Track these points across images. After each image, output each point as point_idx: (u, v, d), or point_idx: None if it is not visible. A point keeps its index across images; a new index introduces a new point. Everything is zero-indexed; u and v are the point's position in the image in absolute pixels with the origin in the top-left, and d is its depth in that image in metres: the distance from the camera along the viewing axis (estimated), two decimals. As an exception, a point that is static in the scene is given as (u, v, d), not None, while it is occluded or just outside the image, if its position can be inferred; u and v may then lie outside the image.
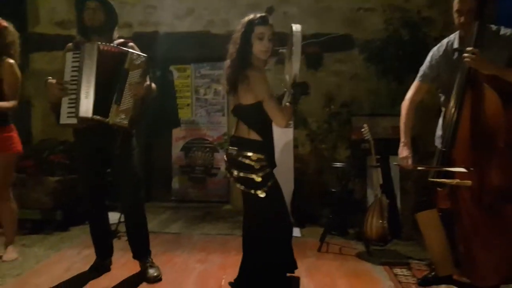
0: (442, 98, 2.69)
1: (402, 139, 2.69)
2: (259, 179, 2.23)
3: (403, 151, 2.67)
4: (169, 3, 5.26)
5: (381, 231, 3.47)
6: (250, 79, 2.20)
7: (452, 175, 2.36)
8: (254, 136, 2.28)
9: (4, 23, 3.08)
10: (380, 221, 3.48)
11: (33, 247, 3.56)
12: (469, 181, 2.26)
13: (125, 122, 2.52)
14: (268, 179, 2.27)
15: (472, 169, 2.25)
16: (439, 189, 2.46)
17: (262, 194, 2.24)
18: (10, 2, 5.47)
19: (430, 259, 2.98)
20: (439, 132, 2.69)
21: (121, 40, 2.77)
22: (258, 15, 2.27)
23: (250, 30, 2.24)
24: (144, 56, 2.59)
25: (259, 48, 2.24)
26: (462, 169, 2.27)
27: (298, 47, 2.20)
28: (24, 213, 4.09)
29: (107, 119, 2.50)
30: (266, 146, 2.32)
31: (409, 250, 3.60)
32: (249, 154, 2.24)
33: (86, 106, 2.48)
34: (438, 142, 2.67)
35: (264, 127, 2.32)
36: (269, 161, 2.32)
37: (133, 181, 2.77)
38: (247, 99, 2.25)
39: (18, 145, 3.16)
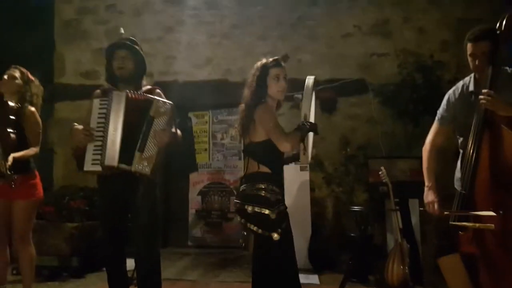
0: (460, 140, 2.68)
1: (427, 183, 2.62)
2: (273, 216, 2.17)
3: (429, 196, 2.58)
4: (188, 54, 5.50)
5: (402, 278, 3.35)
6: (255, 114, 2.26)
7: (474, 218, 2.30)
8: (264, 169, 2.26)
9: (32, 77, 3.27)
10: (401, 267, 3.37)
11: (49, 295, 3.55)
12: (492, 225, 2.20)
13: (147, 170, 2.46)
14: (283, 220, 2.23)
15: (501, 212, 2.17)
16: (461, 232, 2.40)
17: (276, 237, 2.16)
18: (38, 55, 5.80)
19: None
20: (458, 174, 2.65)
21: (148, 87, 2.80)
22: (271, 59, 2.37)
23: (266, 73, 2.32)
24: (169, 103, 2.59)
25: (276, 88, 2.32)
26: (491, 213, 2.20)
27: (308, 91, 2.31)
28: (42, 260, 4.10)
29: (130, 167, 2.47)
30: (278, 180, 2.30)
31: (433, 297, 3.46)
32: (262, 185, 2.21)
33: (112, 154, 2.46)
34: (457, 185, 2.62)
35: (275, 163, 2.31)
36: (283, 196, 2.29)
37: (150, 236, 2.67)
38: (258, 136, 2.28)
39: (41, 192, 3.22)
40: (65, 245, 4.13)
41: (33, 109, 3.16)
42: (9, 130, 2.89)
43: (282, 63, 2.37)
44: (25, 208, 3.11)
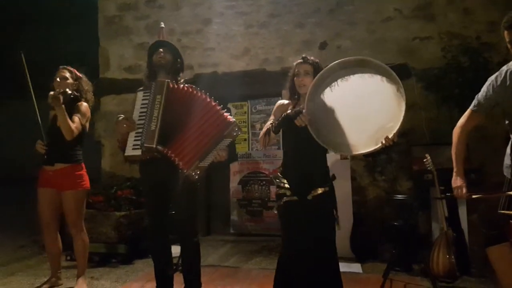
0: (509, 126, 2.56)
1: (455, 168, 2.58)
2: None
3: (457, 181, 2.55)
4: (226, 45, 5.54)
5: (448, 267, 3.28)
6: None
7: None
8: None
9: (79, 74, 3.47)
10: (447, 256, 3.29)
11: (100, 280, 3.74)
12: (544, 213, 2.11)
13: (196, 177, 2.63)
14: (278, 199, 2.58)
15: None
16: (511, 221, 2.31)
17: (274, 210, 2.66)
18: (84, 52, 6.06)
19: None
20: (507, 161, 2.54)
21: (187, 85, 2.91)
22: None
23: (293, 71, 2.62)
24: (241, 131, 2.79)
25: (297, 83, 2.59)
26: None
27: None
28: (92, 247, 4.32)
29: (185, 170, 2.60)
30: (283, 167, 2.64)
31: (480, 287, 3.37)
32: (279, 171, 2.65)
33: (151, 136, 2.62)
34: (506, 172, 2.52)
35: (285, 150, 2.66)
36: (284, 182, 2.57)
37: (189, 218, 2.88)
38: None
39: (87, 183, 3.44)
40: (114, 233, 4.32)
41: (85, 103, 3.38)
42: (69, 92, 3.19)
43: (308, 58, 2.59)
44: (74, 198, 3.33)
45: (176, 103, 2.69)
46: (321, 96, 2.45)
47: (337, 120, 2.39)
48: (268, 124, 2.56)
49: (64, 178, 3.30)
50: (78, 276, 3.46)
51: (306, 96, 2.44)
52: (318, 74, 2.44)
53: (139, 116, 2.72)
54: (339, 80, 2.42)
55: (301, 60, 2.58)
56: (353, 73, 2.41)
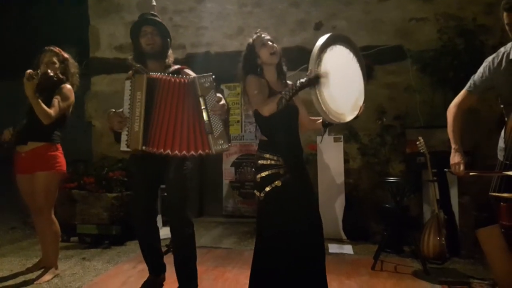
0: (504, 109, 2.55)
1: (453, 145, 2.59)
2: (258, 180, 2.29)
3: (455, 157, 2.55)
4: (220, 24, 5.44)
5: (438, 249, 3.31)
6: (245, 86, 2.37)
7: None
8: (263, 137, 2.40)
9: (65, 54, 3.28)
10: (438, 238, 3.32)
11: (92, 261, 3.73)
12: (536, 196, 2.11)
13: (225, 146, 2.46)
14: (268, 183, 2.26)
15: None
16: (502, 204, 2.31)
17: (260, 195, 2.29)
18: (74, 30, 5.92)
19: (494, 279, 2.79)
20: (501, 144, 2.54)
21: (176, 66, 2.75)
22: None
23: (253, 46, 2.40)
24: (209, 75, 2.51)
25: (267, 52, 2.36)
26: None
27: (316, 48, 2.19)
28: (85, 228, 4.33)
29: (210, 150, 2.44)
30: (274, 147, 2.32)
31: (469, 269, 3.41)
32: (259, 153, 2.36)
33: (136, 138, 2.47)
34: (500, 155, 2.52)
35: (270, 130, 2.36)
36: (281, 161, 2.29)
37: (183, 208, 2.71)
38: (252, 106, 2.37)
39: (62, 166, 3.18)
40: (106, 214, 4.30)
41: (69, 86, 3.19)
42: (51, 74, 3.07)
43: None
44: (45, 180, 3.07)
45: (158, 97, 2.48)
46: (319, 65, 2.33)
47: (332, 89, 2.23)
48: (279, 96, 2.19)
49: (37, 158, 3.06)
50: (47, 268, 3.22)
51: (313, 60, 2.17)
52: (321, 42, 2.21)
53: (129, 108, 2.52)
54: (328, 51, 2.24)
55: (259, 33, 2.43)
56: (337, 45, 2.31)
